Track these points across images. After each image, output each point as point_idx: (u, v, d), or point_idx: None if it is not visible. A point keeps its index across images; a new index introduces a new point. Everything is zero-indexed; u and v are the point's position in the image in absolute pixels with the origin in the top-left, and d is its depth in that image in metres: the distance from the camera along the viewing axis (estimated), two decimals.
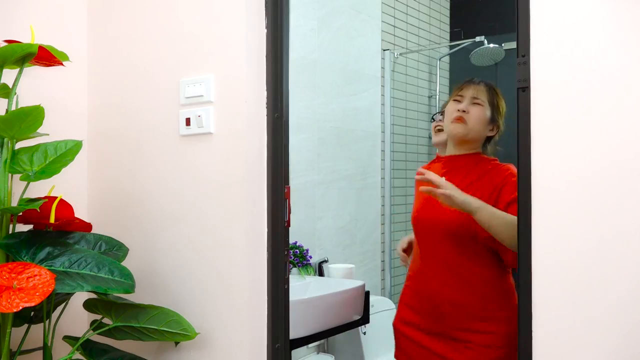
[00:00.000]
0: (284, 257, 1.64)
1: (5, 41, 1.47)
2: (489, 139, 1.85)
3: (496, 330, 1.69)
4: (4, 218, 1.46)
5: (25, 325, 1.55)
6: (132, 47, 1.85)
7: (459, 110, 1.78)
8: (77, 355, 1.55)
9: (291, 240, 2.29)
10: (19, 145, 1.52)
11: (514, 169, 1.70)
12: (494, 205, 1.64)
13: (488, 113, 1.79)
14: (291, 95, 1.71)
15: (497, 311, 1.70)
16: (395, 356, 1.93)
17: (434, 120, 2.31)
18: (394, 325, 1.94)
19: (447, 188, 1.59)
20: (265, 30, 1.66)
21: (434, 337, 1.77)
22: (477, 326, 1.70)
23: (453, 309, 1.73)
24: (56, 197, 1.51)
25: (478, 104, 1.78)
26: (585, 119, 1.13)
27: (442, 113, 2.08)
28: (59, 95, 1.87)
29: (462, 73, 3.67)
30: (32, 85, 1.74)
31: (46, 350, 1.51)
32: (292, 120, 1.75)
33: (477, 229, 1.66)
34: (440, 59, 3.81)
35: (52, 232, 1.56)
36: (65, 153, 1.49)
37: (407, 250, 2.00)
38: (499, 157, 1.84)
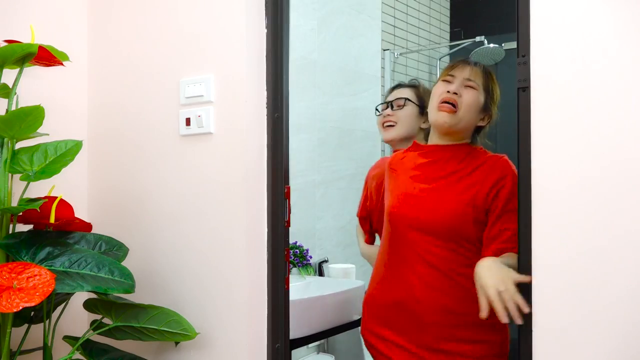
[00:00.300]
0: (284, 257, 1.64)
1: (5, 41, 1.47)
2: (478, 129, 1.62)
3: (491, 339, 1.52)
4: (4, 218, 1.46)
5: (25, 325, 1.54)
6: (132, 47, 1.85)
7: (449, 91, 1.53)
8: (77, 355, 1.55)
9: (291, 240, 2.29)
10: (19, 145, 1.52)
11: (509, 161, 1.55)
12: (484, 204, 1.49)
13: (482, 99, 1.56)
14: (291, 95, 1.71)
15: (491, 317, 1.38)
16: None
17: (379, 113, 1.98)
18: (364, 335, 1.71)
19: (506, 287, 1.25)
20: (265, 30, 1.66)
21: (417, 353, 1.54)
22: (471, 335, 1.50)
23: (443, 318, 1.51)
24: (56, 197, 1.51)
25: (471, 87, 1.54)
26: (585, 118, 1.13)
27: (388, 104, 1.88)
28: (59, 95, 1.87)
29: None
30: (32, 85, 1.74)
31: (46, 350, 1.51)
32: (292, 120, 1.75)
33: (470, 229, 1.50)
34: (440, 59, 3.81)
35: (52, 232, 1.56)
36: (65, 153, 1.49)
37: None
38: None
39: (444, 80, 1.57)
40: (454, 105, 1.52)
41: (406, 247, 1.57)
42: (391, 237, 1.62)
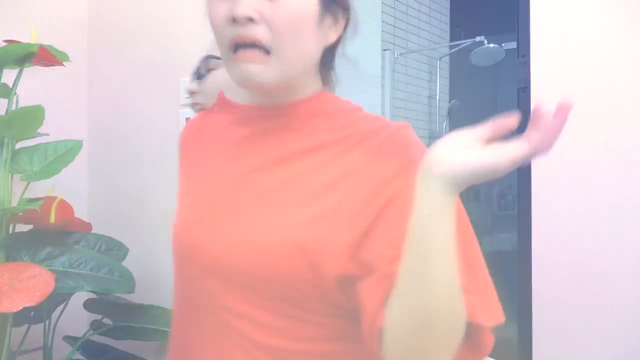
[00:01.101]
0: None
1: (5, 41, 1.47)
2: (329, 53, 0.75)
3: None
4: (4, 218, 1.46)
5: (25, 325, 1.55)
6: (133, 47, 1.85)
7: (235, 20, 0.65)
8: (77, 355, 1.55)
9: None
10: (19, 145, 1.52)
11: (403, 129, 0.72)
12: (363, 219, 0.64)
13: (313, 2, 0.67)
14: None
15: None
16: None
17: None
18: None
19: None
20: None
21: None
22: None
23: None
24: (56, 197, 1.51)
25: None
26: (585, 118, 1.13)
27: (201, 73, 1.16)
28: (59, 95, 1.87)
29: (462, 73, 3.67)
30: (32, 85, 1.74)
31: (46, 350, 1.51)
32: None
33: (326, 269, 0.64)
34: (440, 59, 3.81)
35: (52, 232, 1.56)
36: (65, 153, 1.49)
37: None
38: None
39: None
40: (261, 48, 0.66)
41: (206, 308, 0.73)
42: (183, 286, 0.80)
